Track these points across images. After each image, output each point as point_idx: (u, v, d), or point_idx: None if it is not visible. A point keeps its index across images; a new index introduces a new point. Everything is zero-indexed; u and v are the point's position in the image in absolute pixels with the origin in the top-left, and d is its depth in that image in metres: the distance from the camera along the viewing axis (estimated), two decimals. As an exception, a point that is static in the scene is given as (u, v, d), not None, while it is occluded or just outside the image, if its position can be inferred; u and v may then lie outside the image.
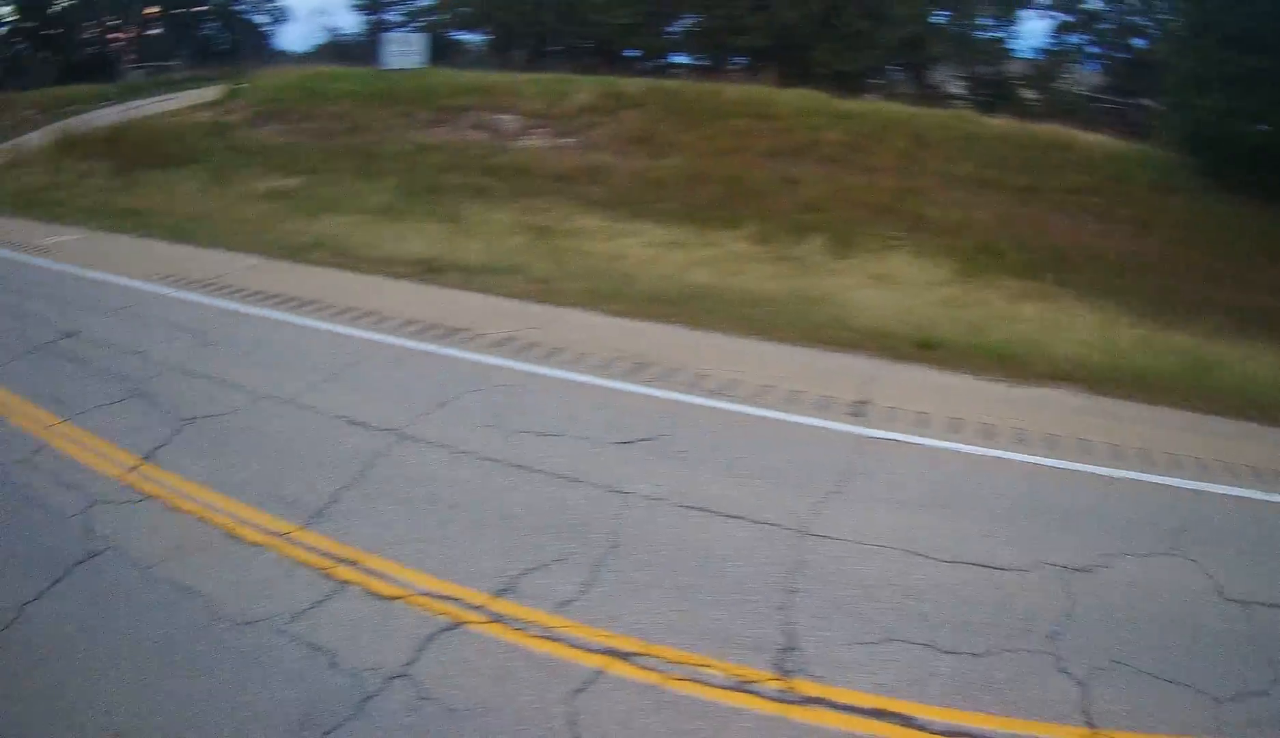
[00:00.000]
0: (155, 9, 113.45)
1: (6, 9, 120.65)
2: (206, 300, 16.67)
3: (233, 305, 16.28)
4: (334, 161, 30.86)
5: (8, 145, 44.81)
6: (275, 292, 16.73)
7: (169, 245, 21.36)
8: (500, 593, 8.04)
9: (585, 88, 35.97)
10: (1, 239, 23.87)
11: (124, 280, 18.49)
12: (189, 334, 14.98)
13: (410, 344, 14.18)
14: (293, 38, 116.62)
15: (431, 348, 13.98)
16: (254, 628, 7.88)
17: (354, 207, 24.65)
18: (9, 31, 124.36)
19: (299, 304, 15.98)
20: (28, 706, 7.38)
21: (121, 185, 29.81)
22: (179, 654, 7.70)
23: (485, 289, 16.81)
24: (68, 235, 23.89)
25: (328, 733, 6.73)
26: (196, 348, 14.39)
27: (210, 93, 48.54)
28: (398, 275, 17.83)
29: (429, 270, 17.97)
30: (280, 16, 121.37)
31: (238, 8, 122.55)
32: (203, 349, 14.32)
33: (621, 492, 9.60)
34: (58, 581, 8.88)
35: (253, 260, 19.21)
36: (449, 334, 14.47)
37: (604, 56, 61.05)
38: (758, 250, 21.18)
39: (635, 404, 11.95)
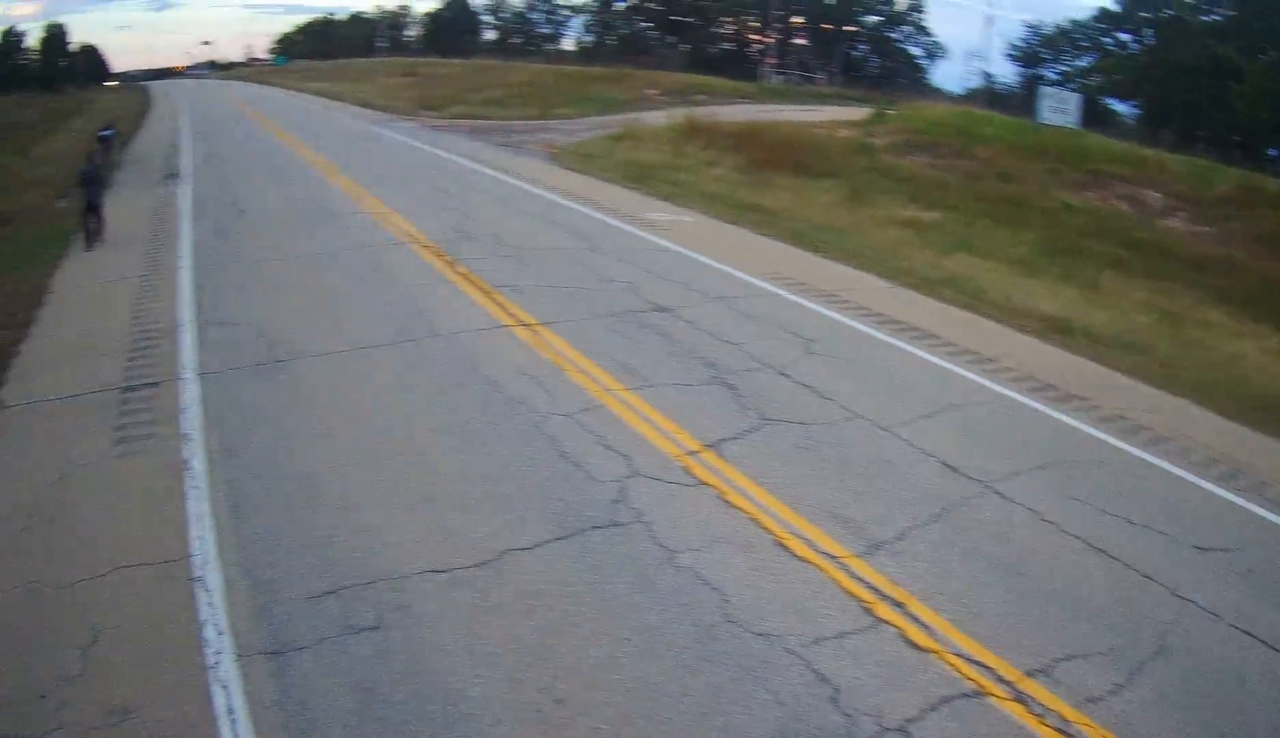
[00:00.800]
0: (802, 19, 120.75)
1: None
2: (821, 310, 17.38)
3: (847, 321, 16.83)
4: (976, 204, 31.78)
5: (623, 118, 49.28)
6: (896, 318, 17.11)
7: (790, 249, 22.56)
8: (1032, 673, 8.01)
9: (1228, 178, 36.79)
10: (608, 207, 26.67)
11: (733, 271, 19.75)
12: (794, 338, 15.66)
13: (1021, 399, 14.05)
14: (944, 75, 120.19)
15: (1042, 407, 13.80)
16: (766, 641, 8.15)
17: (989, 252, 24.95)
18: (629, 8, 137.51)
19: (918, 335, 16.21)
20: (465, 647, 8.04)
21: (749, 182, 32.08)
22: (668, 644, 8.09)
23: (1106, 361, 16.31)
24: (679, 216, 26.13)
25: (793, 764, 6.84)
26: (798, 353, 15.00)
27: (854, 112, 51.06)
28: (1023, 329, 17.63)
29: (1055, 330, 17.64)
30: (935, 52, 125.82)
31: (892, 35, 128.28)
32: (805, 356, 14.91)
33: (1183, 598, 9.38)
34: (562, 538, 9.69)
35: (878, 283, 19.77)
36: (1063, 399, 14.17)
37: (1246, 149, 62.79)
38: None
39: (1223, 511, 11.46)
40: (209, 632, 8.34)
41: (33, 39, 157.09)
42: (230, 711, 7.39)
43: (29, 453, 12.20)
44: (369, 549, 9.50)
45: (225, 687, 7.65)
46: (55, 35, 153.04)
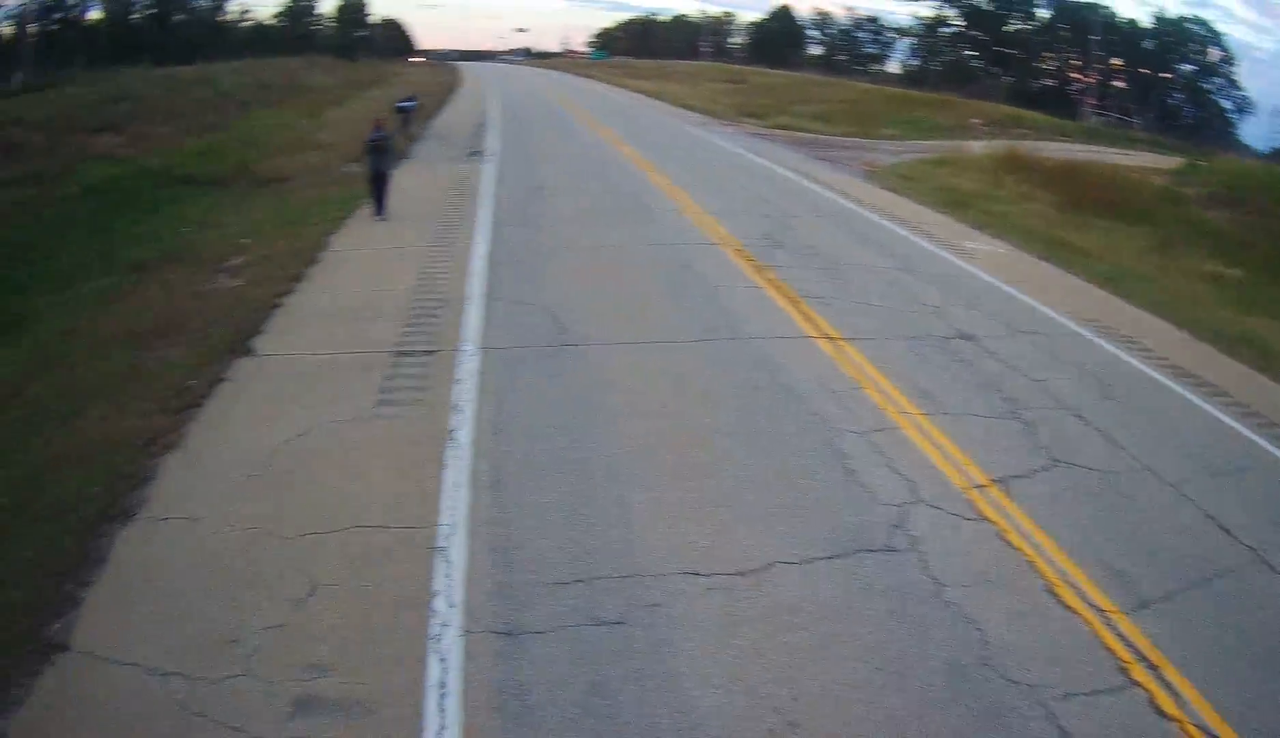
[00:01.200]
0: (1121, 61, 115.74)
1: (952, 11, 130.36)
2: (1120, 354, 16.63)
3: (1145, 368, 16.09)
4: (1277, 263, 29.99)
5: (944, 144, 48.42)
6: (1192, 371, 16.26)
7: (1096, 291, 21.55)
8: (1254, 755, 7.38)
9: None
10: (922, 229, 26.06)
11: (1039, 306, 19.09)
12: (1093, 380, 15.09)
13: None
14: (1249, 131, 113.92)
15: (1322, 480, 12.71)
16: (1017, 688, 7.78)
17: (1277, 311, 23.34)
18: (954, 35, 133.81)
19: (1212, 391, 15.38)
20: (710, 655, 7.80)
21: (1063, 219, 30.88)
22: (919, 678, 7.78)
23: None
24: (992, 245, 25.29)
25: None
26: (1096, 397, 14.44)
27: (1166, 160, 48.72)
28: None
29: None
30: (1243, 107, 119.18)
31: (1207, 86, 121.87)
32: (1102, 400, 14.34)
33: None
34: (832, 557, 9.36)
35: (1179, 334, 18.77)
36: (1345, 472, 12.99)
37: None
38: None
39: None
40: (439, 603, 8.10)
41: (328, 7, 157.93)
42: (442, 685, 7.14)
43: (273, 404, 12.09)
44: (629, 543, 9.27)
45: (444, 660, 7.39)
46: (352, 4, 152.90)
